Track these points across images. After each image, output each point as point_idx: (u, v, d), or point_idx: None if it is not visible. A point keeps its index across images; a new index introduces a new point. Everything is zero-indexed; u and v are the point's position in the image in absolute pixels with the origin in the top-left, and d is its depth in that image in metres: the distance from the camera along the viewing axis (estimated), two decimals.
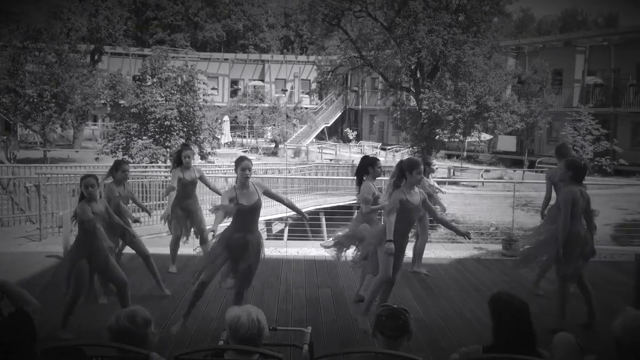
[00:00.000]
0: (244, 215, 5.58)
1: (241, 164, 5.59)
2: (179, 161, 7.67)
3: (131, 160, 18.60)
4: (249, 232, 5.62)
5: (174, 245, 7.93)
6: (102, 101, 27.52)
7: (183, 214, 7.75)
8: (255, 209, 5.62)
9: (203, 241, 7.69)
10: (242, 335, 2.96)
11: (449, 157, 37.19)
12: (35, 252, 8.78)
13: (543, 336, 4.65)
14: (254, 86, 49.37)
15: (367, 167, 6.66)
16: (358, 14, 25.73)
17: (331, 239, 6.90)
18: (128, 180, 7.25)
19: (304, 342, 3.59)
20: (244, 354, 2.95)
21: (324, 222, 17.44)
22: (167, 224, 8.06)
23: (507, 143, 36.26)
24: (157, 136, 18.68)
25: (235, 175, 5.64)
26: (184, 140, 18.99)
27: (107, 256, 5.66)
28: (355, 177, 6.89)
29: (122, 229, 6.53)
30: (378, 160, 6.88)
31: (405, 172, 5.65)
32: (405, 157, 27.89)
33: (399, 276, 6.22)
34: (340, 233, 6.66)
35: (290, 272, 7.74)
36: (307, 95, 47.47)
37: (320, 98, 46.23)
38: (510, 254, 9.01)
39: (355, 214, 7.19)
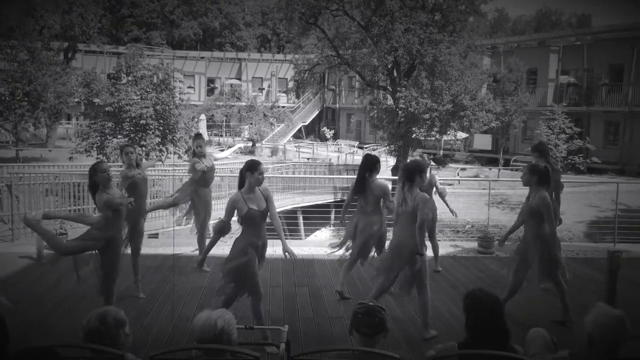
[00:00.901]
0: (257, 220, 5.38)
1: (259, 169, 5.40)
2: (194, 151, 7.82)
3: (106, 160, 18.39)
4: (265, 238, 5.53)
5: (202, 239, 7.89)
6: (76, 99, 27.11)
7: (200, 202, 7.77)
8: (265, 214, 5.46)
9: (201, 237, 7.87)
10: (200, 339, 2.96)
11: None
12: (8, 253, 8.63)
13: (519, 332, 4.71)
14: (231, 85, 49.16)
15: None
16: (335, 12, 25.73)
17: (337, 240, 6.91)
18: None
19: (280, 341, 3.59)
20: (214, 354, 2.94)
21: (301, 220, 17.46)
22: (183, 216, 8.03)
23: (483, 141, 36.64)
24: (132, 135, 18.46)
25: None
26: (159, 139, 18.82)
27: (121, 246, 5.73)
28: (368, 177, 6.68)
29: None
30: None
31: (416, 175, 5.64)
32: (394, 156, 27.92)
33: (374, 273, 6.26)
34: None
35: (267, 271, 7.72)
36: (284, 94, 47.37)
37: (298, 97, 46.20)
38: (485, 252, 9.12)
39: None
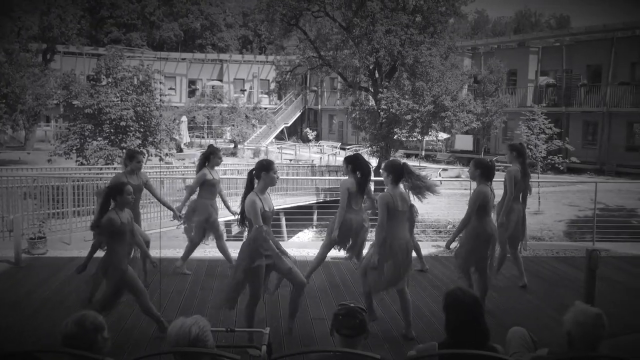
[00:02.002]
0: (268, 221, 5.33)
1: (273, 168, 5.35)
2: (206, 161, 7.69)
3: (85, 162, 18.19)
4: (274, 239, 5.49)
5: (191, 250, 7.83)
6: (55, 101, 26.80)
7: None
8: (274, 214, 5.48)
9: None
10: (172, 344, 2.94)
11: (408, 156, 37.63)
12: None
13: (499, 331, 4.74)
14: (212, 86, 48.93)
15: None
16: (316, 14, 25.75)
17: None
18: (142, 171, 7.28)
19: (262, 343, 3.57)
20: (193, 358, 2.92)
21: (284, 222, 17.41)
22: (183, 226, 7.87)
23: (464, 142, 36.90)
24: (112, 137, 18.28)
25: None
26: (140, 141, 18.64)
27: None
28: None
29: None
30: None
31: (406, 175, 5.68)
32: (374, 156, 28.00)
33: (359, 275, 6.26)
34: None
35: None
36: (266, 96, 47.30)
37: (280, 98, 46.12)
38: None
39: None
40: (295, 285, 5.51)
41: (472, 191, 6.63)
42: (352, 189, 6.69)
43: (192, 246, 7.80)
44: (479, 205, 6.17)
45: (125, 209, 5.44)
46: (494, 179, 6.40)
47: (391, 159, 6.39)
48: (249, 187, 5.33)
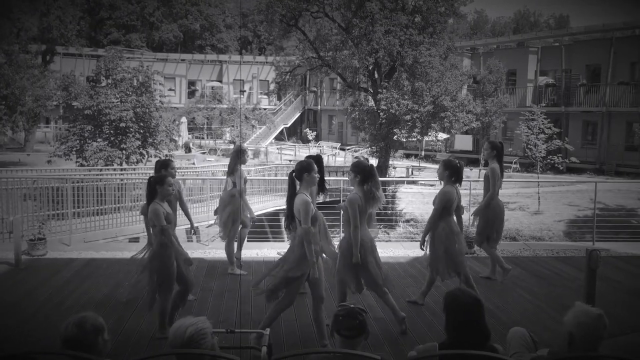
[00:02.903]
0: (316, 223, 5.35)
1: (314, 168, 5.35)
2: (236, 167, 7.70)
3: (85, 164, 18.19)
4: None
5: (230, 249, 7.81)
6: (55, 103, 26.77)
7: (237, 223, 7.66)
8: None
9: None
10: (171, 346, 2.96)
11: (407, 156, 37.63)
12: None
13: (500, 331, 4.74)
14: (212, 87, 48.96)
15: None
16: (315, 14, 25.77)
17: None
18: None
19: (262, 344, 3.57)
20: (192, 359, 2.93)
21: (282, 223, 17.39)
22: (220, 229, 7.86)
23: (464, 142, 36.89)
24: (112, 138, 18.29)
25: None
26: (139, 142, 18.63)
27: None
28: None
29: None
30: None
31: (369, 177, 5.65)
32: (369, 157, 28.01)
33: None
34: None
35: (250, 273, 7.69)
36: (265, 96, 47.33)
37: (279, 99, 46.14)
38: (466, 252, 9.15)
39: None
40: (315, 297, 5.41)
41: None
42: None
43: (229, 243, 7.81)
44: (443, 207, 6.34)
45: (165, 204, 5.55)
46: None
47: (359, 159, 6.31)
48: (292, 189, 5.33)
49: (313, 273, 5.16)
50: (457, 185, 6.47)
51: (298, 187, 5.37)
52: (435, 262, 6.48)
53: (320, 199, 7.31)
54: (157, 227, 5.37)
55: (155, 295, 5.50)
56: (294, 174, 5.36)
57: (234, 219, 7.62)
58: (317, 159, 6.74)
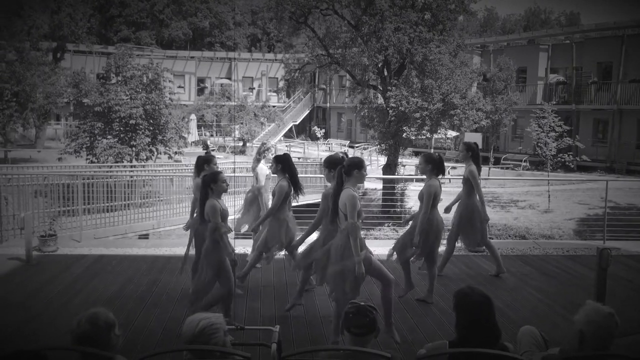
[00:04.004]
0: (360, 218, 5.42)
1: (364, 165, 5.39)
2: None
3: (95, 160, 18.27)
4: None
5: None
6: (65, 100, 26.93)
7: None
8: None
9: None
10: (183, 338, 3.00)
11: (417, 154, 37.54)
12: None
13: (510, 330, 4.73)
14: (221, 84, 49.02)
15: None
16: (325, 12, 25.69)
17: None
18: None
19: (272, 341, 3.57)
20: (203, 355, 2.95)
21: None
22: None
23: (473, 140, 36.69)
24: (122, 135, 18.35)
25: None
26: (149, 139, 18.68)
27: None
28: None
29: None
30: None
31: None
32: (374, 155, 27.91)
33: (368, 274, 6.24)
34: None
35: (259, 270, 7.70)
36: (274, 94, 47.35)
37: (288, 96, 46.13)
38: (476, 250, 9.12)
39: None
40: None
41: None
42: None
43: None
44: (421, 199, 6.52)
45: (222, 200, 5.61)
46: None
47: (332, 154, 6.35)
48: (340, 184, 5.32)
49: (359, 269, 5.16)
50: (440, 177, 6.57)
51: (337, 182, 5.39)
52: (432, 255, 6.62)
53: (297, 201, 7.28)
54: (212, 224, 5.43)
55: (201, 294, 5.57)
56: (343, 169, 5.37)
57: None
58: (285, 157, 6.93)
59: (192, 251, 6.32)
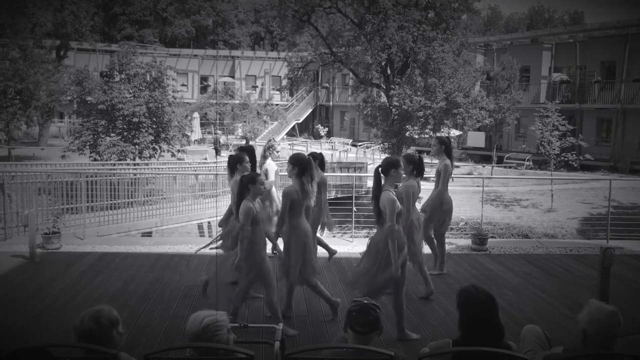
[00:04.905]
0: (400, 219, 5.53)
1: (401, 165, 5.48)
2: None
3: (99, 158, 18.30)
4: None
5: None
6: (69, 98, 26.99)
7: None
8: None
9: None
10: (187, 335, 3.03)
11: (419, 153, 37.47)
12: (0, 252, 8.58)
13: (513, 328, 4.72)
14: (224, 82, 49.02)
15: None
16: (328, 10, 25.71)
17: None
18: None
19: (275, 339, 3.58)
20: (206, 352, 2.96)
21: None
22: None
23: (476, 139, 36.68)
24: (125, 133, 18.37)
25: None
26: (152, 137, 18.70)
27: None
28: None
29: None
30: None
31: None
32: (380, 154, 27.88)
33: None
34: None
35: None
36: (277, 92, 47.31)
37: (291, 94, 46.12)
38: (479, 249, 9.13)
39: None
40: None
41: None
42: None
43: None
44: (400, 199, 6.38)
45: (257, 202, 5.60)
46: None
47: (296, 152, 6.40)
48: (378, 184, 5.36)
49: (395, 271, 5.20)
50: (419, 178, 6.57)
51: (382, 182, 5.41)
52: (415, 255, 6.60)
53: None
54: (239, 225, 5.43)
55: (241, 294, 5.65)
56: (380, 169, 5.40)
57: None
58: (249, 148, 6.88)
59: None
